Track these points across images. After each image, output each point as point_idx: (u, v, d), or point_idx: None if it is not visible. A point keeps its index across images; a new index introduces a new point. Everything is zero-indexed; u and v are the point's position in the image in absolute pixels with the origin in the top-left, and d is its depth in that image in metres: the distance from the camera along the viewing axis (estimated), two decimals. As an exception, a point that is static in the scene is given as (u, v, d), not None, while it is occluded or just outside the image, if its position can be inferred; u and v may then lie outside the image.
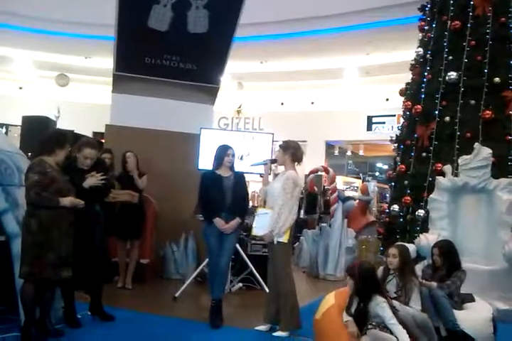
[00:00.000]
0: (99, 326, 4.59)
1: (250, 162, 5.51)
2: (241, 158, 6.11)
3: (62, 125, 10.23)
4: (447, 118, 7.23)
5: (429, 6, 8.34)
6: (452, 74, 7.27)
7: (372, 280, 3.80)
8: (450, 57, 7.47)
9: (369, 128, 17.03)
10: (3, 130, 15.28)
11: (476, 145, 6.23)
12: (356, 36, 12.72)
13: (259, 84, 17.10)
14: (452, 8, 7.64)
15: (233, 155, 5.04)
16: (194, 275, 6.17)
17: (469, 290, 4.58)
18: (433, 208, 6.42)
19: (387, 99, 15.57)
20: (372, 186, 13.80)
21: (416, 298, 4.00)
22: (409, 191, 7.42)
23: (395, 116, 15.13)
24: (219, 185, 4.91)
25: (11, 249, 3.98)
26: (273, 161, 5.06)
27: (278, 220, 4.58)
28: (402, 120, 8.67)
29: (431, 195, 6.50)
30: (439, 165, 6.88)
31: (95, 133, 14.15)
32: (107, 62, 9.69)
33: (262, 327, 4.72)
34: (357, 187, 16.66)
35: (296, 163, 4.84)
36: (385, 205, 8.84)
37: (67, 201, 3.99)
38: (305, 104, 17.42)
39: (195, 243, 7.13)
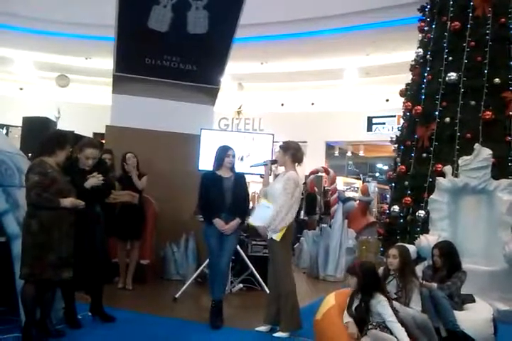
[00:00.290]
0: (100, 327, 4.59)
1: (250, 163, 5.51)
2: (241, 159, 6.10)
3: (62, 126, 10.26)
4: (447, 119, 7.23)
5: (428, 6, 8.35)
6: (452, 75, 7.27)
7: (373, 277, 3.84)
8: (450, 58, 7.48)
9: (369, 129, 17.04)
10: (4, 131, 15.29)
11: (476, 146, 6.23)
12: (356, 37, 12.73)
13: (259, 84, 17.12)
14: (452, 8, 7.65)
15: (233, 156, 5.03)
16: (194, 276, 6.17)
17: (469, 291, 4.58)
18: (433, 209, 6.42)
19: (387, 100, 15.59)
20: (373, 187, 13.82)
21: (416, 299, 4.00)
22: (409, 192, 7.42)
23: (395, 116, 15.14)
24: (219, 185, 4.91)
25: (11, 250, 3.98)
26: (273, 162, 5.07)
27: (275, 218, 4.58)
28: (402, 121, 8.67)
29: (431, 196, 6.51)
30: (440, 165, 6.89)
31: (95, 134, 14.13)
32: (107, 62, 9.69)
33: (263, 328, 4.72)
34: (357, 187, 16.67)
35: (296, 164, 4.85)
36: (386, 206, 8.85)
37: (67, 202, 3.99)
38: (305, 105, 17.43)
39: (195, 244, 7.13)
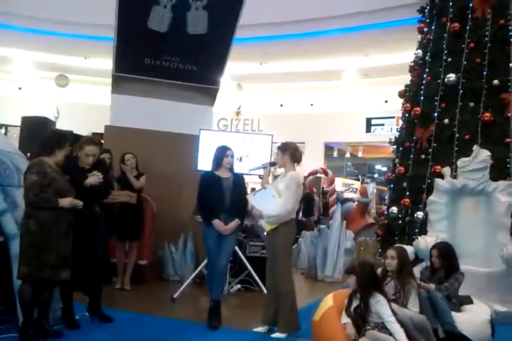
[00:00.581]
0: (98, 327, 4.58)
1: (249, 163, 5.51)
2: (240, 160, 6.11)
3: (61, 126, 10.22)
4: (446, 121, 7.24)
5: (428, 8, 8.37)
6: (451, 77, 7.28)
7: (373, 275, 3.86)
8: (449, 59, 7.49)
9: (368, 130, 17.04)
10: (3, 130, 15.28)
11: (475, 147, 6.23)
12: (355, 38, 12.73)
13: (258, 85, 17.13)
14: (451, 10, 7.67)
15: (232, 157, 5.03)
16: (192, 276, 6.16)
17: (467, 292, 4.58)
18: (432, 210, 6.42)
19: (386, 101, 15.61)
20: (371, 188, 13.80)
21: (414, 300, 4.00)
22: (408, 193, 7.43)
23: (394, 118, 15.17)
24: (218, 186, 4.90)
25: (9, 250, 3.97)
26: (272, 164, 5.06)
27: (272, 214, 4.61)
28: (401, 122, 8.68)
29: (430, 197, 6.51)
30: (438, 167, 6.89)
31: (94, 134, 14.11)
32: (107, 62, 9.69)
33: (260, 329, 4.71)
34: (356, 188, 16.67)
35: (295, 164, 4.86)
36: (384, 207, 8.85)
37: (66, 202, 3.99)
38: (304, 106, 17.45)
39: (193, 244, 7.12)
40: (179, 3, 7.29)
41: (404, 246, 4.83)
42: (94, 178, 4.42)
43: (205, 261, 5.44)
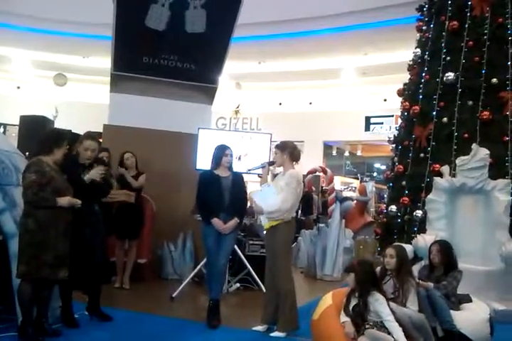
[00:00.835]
0: (97, 326, 4.57)
1: (248, 162, 5.50)
2: (239, 159, 6.10)
3: (59, 125, 10.20)
4: (445, 119, 7.24)
5: (427, 6, 8.35)
6: (450, 75, 7.28)
7: (371, 274, 3.87)
8: (448, 58, 7.49)
9: (367, 129, 17.06)
10: (1, 129, 15.29)
11: (474, 146, 6.23)
12: (354, 36, 12.75)
13: (257, 84, 17.14)
14: (450, 8, 7.66)
15: (231, 155, 5.02)
16: (192, 275, 6.16)
17: (466, 291, 4.58)
18: (431, 209, 6.43)
19: (385, 100, 15.62)
20: (370, 186, 13.81)
21: (413, 299, 4.00)
22: (407, 192, 7.43)
23: (393, 116, 15.17)
24: (217, 185, 4.90)
25: (8, 249, 3.97)
26: (271, 163, 5.05)
27: (272, 210, 4.61)
28: (400, 120, 8.68)
29: (428, 196, 6.51)
30: (437, 165, 6.89)
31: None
32: (105, 61, 9.70)
33: (260, 328, 4.71)
34: (355, 187, 16.68)
35: (294, 162, 4.86)
36: (383, 206, 8.85)
37: (64, 201, 3.99)
38: (303, 105, 17.46)
39: (192, 243, 7.12)
40: (177, 2, 7.29)
41: (403, 245, 4.82)
42: (97, 171, 4.43)
43: (205, 260, 5.44)
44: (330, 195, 11.01)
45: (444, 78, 7.33)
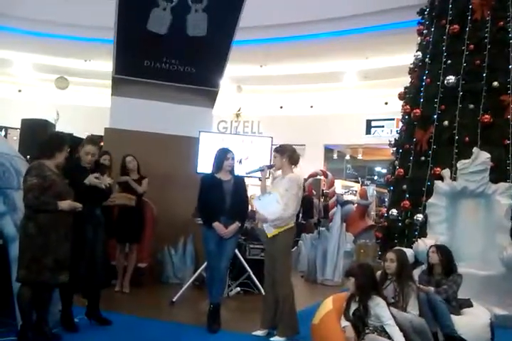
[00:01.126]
0: (96, 330, 4.56)
1: (249, 166, 5.49)
2: (240, 162, 6.09)
3: (61, 128, 10.20)
4: (446, 123, 7.22)
5: (428, 10, 8.35)
6: (451, 78, 7.27)
7: (372, 278, 3.86)
8: (449, 61, 7.48)
9: (368, 132, 17.04)
10: (2, 133, 15.29)
11: (475, 149, 6.23)
12: (355, 40, 12.74)
13: (258, 87, 17.14)
14: (451, 12, 7.66)
15: (233, 159, 5.00)
16: (192, 279, 6.16)
17: (467, 295, 4.58)
18: (431, 212, 6.42)
19: (386, 103, 15.60)
20: (371, 190, 13.79)
21: (413, 303, 4.00)
22: (407, 195, 7.41)
23: (394, 119, 15.16)
24: (219, 188, 4.88)
25: (8, 252, 3.97)
26: (270, 167, 5.04)
27: (273, 218, 4.60)
28: (401, 124, 8.67)
29: (429, 200, 6.50)
30: (438, 169, 6.87)
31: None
32: (107, 65, 9.69)
33: (259, 332, 4.70)
34: (356, 191, 16.66)
35: (293, 166, 4.85)
36: (384, 209, 8.83)
37: (65, 204, 3.98)
38: (304, 108, 17.44)
39: (193, 247, 7.11)
40: (179, 6, 7.30)
41: (404, 249, 4.82)
42: (96, 180, 4.44)
43: (205, 263, 5.43)
44: (331, 199, 11.00)
45: (445, 81, 7.32)
